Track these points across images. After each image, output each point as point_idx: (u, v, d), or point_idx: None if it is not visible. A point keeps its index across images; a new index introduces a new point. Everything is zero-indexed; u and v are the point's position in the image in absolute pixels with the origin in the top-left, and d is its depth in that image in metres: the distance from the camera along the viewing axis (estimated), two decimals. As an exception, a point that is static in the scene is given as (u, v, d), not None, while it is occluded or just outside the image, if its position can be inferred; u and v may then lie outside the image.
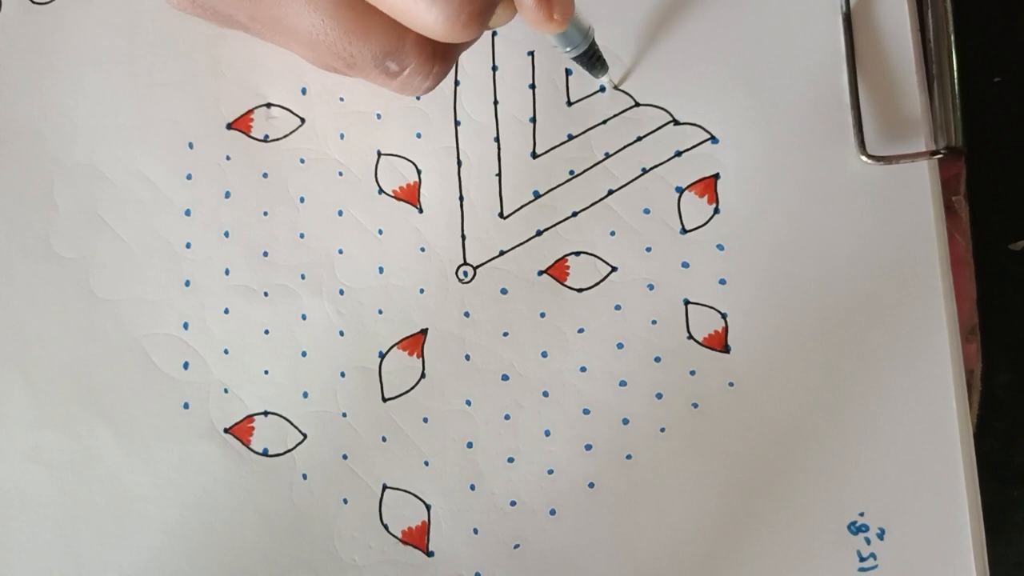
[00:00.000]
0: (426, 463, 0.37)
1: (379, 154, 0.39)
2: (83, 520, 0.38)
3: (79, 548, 0.37)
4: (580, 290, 0.38)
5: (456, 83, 0.39)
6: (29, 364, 0.38)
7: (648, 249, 0.37)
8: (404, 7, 0.28)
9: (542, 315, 0.38)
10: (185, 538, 0.37)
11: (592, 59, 0.35)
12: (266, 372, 0.38)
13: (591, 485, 0.37)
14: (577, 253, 0.38)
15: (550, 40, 0.34)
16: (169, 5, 0.32)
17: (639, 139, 0.38)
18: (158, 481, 0.38)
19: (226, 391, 0.38)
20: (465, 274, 0.38)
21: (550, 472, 0.37)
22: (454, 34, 0.28)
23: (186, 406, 0.38)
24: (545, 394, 0.37)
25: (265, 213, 0.39)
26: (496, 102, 0.39)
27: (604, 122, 0.38)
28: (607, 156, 0.38)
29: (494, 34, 0.39)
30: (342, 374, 0.38)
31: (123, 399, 0.38)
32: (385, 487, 0.37)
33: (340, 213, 0.38)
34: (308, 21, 0.30)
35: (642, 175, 0.38)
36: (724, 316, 0.37)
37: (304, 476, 0.37)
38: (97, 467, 0.38)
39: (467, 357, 0.38)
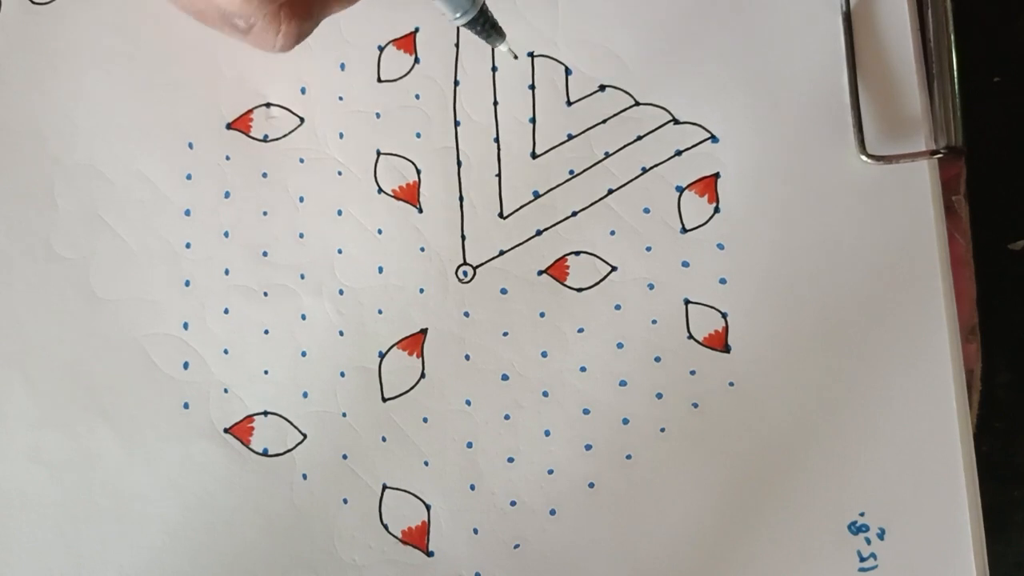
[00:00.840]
0: (426, 463, 0.37)
1: (378, 153, 0.39)
2: (83, 520, 0.38)
3: (79, 548, 0.37)
4: (580, 290, 0.38)
5: (456, 83, 0.39)
6: (29, 364, 0.38)
7: (648, 249, 0.37)
8: None
9: (542, 315, 0.37)
10: (185, 538, 0.37)
11: (485, 26, 0.34)
12: (266, 372, 0.38)
13: (591, 485, 0.37)
14: (577, 253, 0.38)
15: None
16: None
17: (639, 138, 0.38)
18: (158, 481, 0.38)
19: (226, 391, 0.38)
20: (465, 274, 0.38)
21: (550, 472, 0.37)
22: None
23: (186, 406, 0.38)
24: (545, 394, 0.37)
25: (265, 213, 0.39)
26: (496, 103, 0.39)
27: (604, 122, 0.38)
28: (607, 156, 0.38)
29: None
30: (342, 374, 0.38)
31: (123, 399, 0.38)
32: (385, 487, 0.37)
33: (340, 213, 0.38)
34: None
35: (642, 174, 0.38)
36: (724, 316, 0.37)
37: (304, 476, 0.37)
38: (97, 467, 0.38)
39: (467, 357, 0.38)
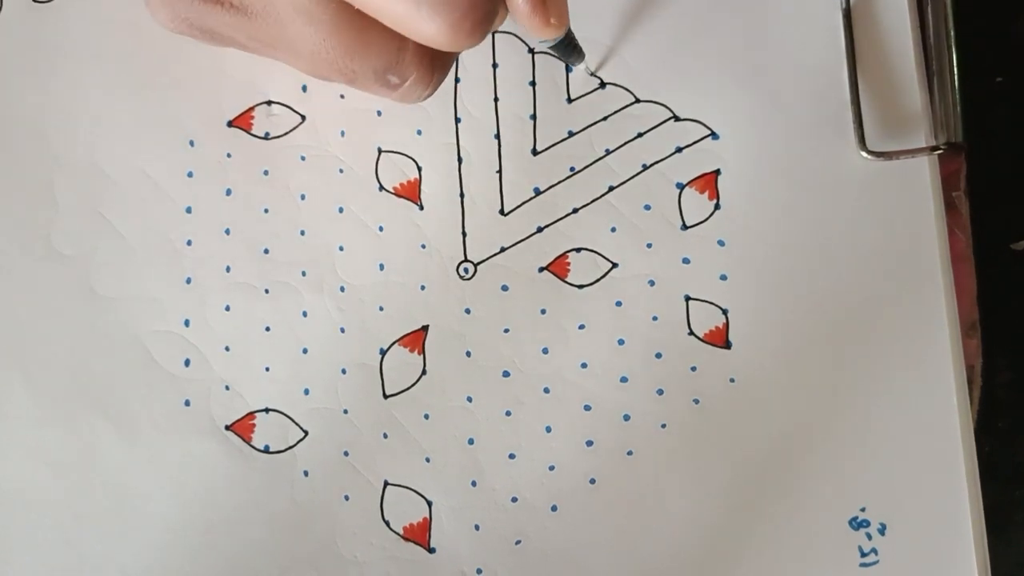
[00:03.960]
0: (427, 460, 0.37)
1: (379, 151, 0.39)
2: (84, 518, 0.38)
3: (80, 546, 0.37)
4: (581, 286, 0.38)
5: (456, 80, 0.39)
6: (30, 362, 0.38)
7: (649, 245, 0.37)
8: (406, 20, 0.28)
9: (543, 311, 0.38)
10: (186, 536, 0.37)
11: (568, 47, 0.34)
12: (267, 369, 0.38)
13: (592, 481, 0.37)
14: (578, 249, 0.38)
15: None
16: (165, 28, 0.32)
17: (640, 135, 0.38)
18: (159, 479, 0.38)
19: (227, 388, 0.38)
20: (466, 271, 0.38)
21: (551, 468, 0.37)
22: (458, 43, 0.28)
23: (187, 403, 0.38)
24: (546, 390, 0.37)
25: (266, 210, 0.39)
26: (496, 99, 0.39)
27: (605, 118, 0.38)
28: (608, 152, 0.38)
29: (494, 32, 0.39)
30: (343, 371, 0.38)
31: (124, 397, 0.38)
32: (386, 484, 0.37)
33: (341, 210, 0.38)
34: (309, 41, 0.30)
35: (643, 171, 0.38)
36: (725, 312, 0.37)
37: (305, 473, 0.37)
38: (98, 465, 0.38)
39: (468, 354, 0.38)
